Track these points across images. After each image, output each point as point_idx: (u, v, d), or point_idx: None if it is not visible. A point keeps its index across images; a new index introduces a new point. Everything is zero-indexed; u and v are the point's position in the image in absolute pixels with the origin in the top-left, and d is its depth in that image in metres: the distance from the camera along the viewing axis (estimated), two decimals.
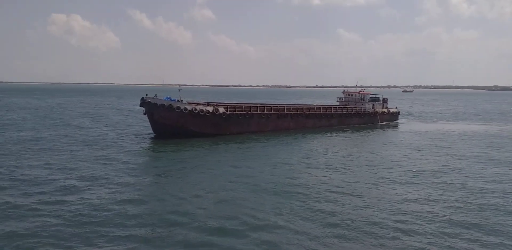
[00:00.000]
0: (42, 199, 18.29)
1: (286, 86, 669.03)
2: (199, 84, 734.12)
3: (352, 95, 61.14)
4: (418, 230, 15.10)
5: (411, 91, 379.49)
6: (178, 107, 38.89)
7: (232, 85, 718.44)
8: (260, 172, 24.64)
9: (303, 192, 19.99)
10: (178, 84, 47.48)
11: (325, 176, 23.77)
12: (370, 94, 62.88)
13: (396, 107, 65.44)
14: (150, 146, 35.19)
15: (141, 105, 40.10)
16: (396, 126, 57.24)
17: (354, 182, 22.30)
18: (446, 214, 16.95)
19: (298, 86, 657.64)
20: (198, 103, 42.54)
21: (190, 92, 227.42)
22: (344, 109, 55.51)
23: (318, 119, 51.34)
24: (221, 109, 41.54)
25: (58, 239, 14.00)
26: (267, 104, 49.65)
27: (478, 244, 14.03)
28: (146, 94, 39.92)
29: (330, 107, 54.71)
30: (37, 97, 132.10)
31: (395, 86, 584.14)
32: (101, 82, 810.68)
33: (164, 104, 38.73)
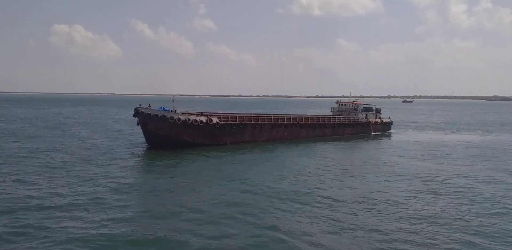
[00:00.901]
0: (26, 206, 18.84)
1: (287, 97, 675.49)
2: (200, 94, 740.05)
3: (345, 105, 62.56)
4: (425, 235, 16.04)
5: (411, 101, 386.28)
6: (172, 118, 39.65)
7: (233, 95, 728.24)
8: (256, 182, 25.31)
9: (302, 201, 20.90)
10: (173, 95, 48.14)
11: (319, 185, 24.71)
12: (364, 104, 64.39)
13: (389, 118, 67.02)
14: (142, 156, 35.76)
15: (134, 116, 40.85)
16: (389, 136, 58.64)
17: (347, 189, 23.33)
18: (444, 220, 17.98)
19: (299, 96, 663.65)
20: (191, 114, 43.39)
21: (190, 102, 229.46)
22: (337, 119, 56.84)
23: (311, 129, 52.51)
24: (214, 120, 42.42)
25: None
26: (260, 114, 50.68)
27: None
28: (140, 105, 40.69)
29: (323, 117, 56.02)
30: (37, 107, 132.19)
31: (395, 97, 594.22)
32: (103, 92, 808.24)
33: (157, 114, 39.47)
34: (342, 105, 62.96)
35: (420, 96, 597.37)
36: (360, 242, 15.40)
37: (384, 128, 63.97)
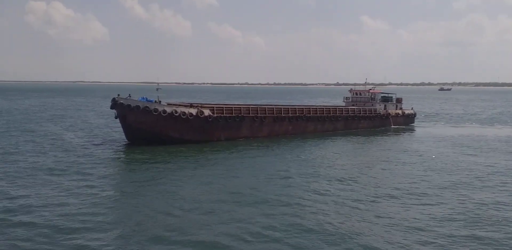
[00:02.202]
0: None
1: (302, 84, 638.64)
2: (200, 82, 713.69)
3: (360, 94, 57.37)
4: None
5: (449, 89, 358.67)
6: (156, 110, 35.65)
7: (238, 83, 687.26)
8: (251, 188, 21.78)
9: (298, 206, 18.45)
10: (157, 83, 43.55)
11: (325, 192, 20.66)
12: (382, 93, 59.04)
13: (412, 108, 61.50)
14: (120, 155, 31.93)
15: (112, 107, 36.72)
16: (412, 130, 53.37)
17: (357, 196, 18.91)
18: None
19: (316, 84, 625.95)
20: (179, 105, 39.19)
21: (188, 91, 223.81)
22: (351, 110, 51.74)
23: (320, 122, 47.65)
24: (206, 112, 38.05)
25: None
26: (261, 105, 46.11)
27: None
28: (118, 95, 36.51)
29: (335, 108, 51.06)
30: (9, 98, 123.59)
31: (430, 84, 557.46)
32: (86, 80, 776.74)
33: (139, 106, 35.53)
34: (356, 94, 57.76)
35: (459, 84, 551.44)
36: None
37: (406, 121, 58.61)
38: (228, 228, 15.79)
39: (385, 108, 56.20)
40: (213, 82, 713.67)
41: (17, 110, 74.97)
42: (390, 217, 17.18)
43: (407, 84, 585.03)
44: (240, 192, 20.86)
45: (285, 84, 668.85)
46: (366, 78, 59.75)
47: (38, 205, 18.29)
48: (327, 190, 21.47)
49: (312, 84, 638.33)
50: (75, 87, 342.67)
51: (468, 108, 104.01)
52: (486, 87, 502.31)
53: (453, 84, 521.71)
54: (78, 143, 36.69)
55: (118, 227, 16.01)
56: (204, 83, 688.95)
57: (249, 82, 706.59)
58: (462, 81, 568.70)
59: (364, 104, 55.64)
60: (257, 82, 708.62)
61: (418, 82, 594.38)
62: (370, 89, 57.92)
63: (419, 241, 14.77)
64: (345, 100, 58.79)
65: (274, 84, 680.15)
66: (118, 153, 32.74)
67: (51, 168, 25.87)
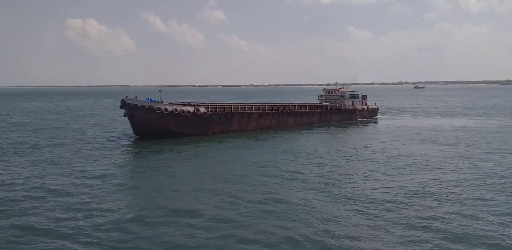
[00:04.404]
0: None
1: (298, 85, 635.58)
2: (212, 84, 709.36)
3: (332, 92, 59.06)
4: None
5: (423, 87, 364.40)
6: (159, 108, 36.38)
7: (244, 85, 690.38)
8: (240, 171, 22.91)
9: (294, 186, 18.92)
10: (160, 86, 44.64)
11: (299, 172, 21.63)
12: (350, 91, 60.82)
13: (375, 104, 63.59)
14: (129, 148, 32.59)
15: (121, 107, 37.50)
16: (375, 122, 55.31)
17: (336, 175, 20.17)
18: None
19: (310, 85, 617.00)
20: (179, 104, 40.06)
21: (202, 93, 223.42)
22: (324, 106, 53.36)
23: (299, 117, 49.12)
24: (202, 110, 39.13)
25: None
26: (248, 103, 47.42)
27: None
28: (126, 96, 37.37)
29: (310, 105, 52.54)
30: (51, 100, 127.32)
31: (406, 83, 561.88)
32: (118, 84, 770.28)
33: (144, 105, 36.24)
34: (328, 92, 59.42)
35: (431, 82, 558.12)
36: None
37: (371, 114, 60.62)
38: (222, 200, 16.95)
39: (352, 104, 57.96)
40: (223, 84, 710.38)
41: (55, 110, 78.41)
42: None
43: (387, 83, 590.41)
44: (232, 174, 21.98)
45: (284, 85, 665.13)
46: (337, 79, 61.80)
47: (66, 183, 19.21)
48: (301, 171, 22.54)
49: (307, 84, 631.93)
50: (108, 91, 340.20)
51: (434, 103, 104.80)
52: (454, 85, 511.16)
53: (426, 83, 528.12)
54: (98, 136, 37.98)
55: (133, 201, 17.05)
56: (216, 86, 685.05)
57: (254, 84, 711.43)
58: (434, 80, 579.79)
59: (335, 101, 57.25)
60: (261, 83, 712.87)
61: (397, 81, 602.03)
62: (340, 88, 59.86)
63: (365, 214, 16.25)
64: (319, 98, 60.38)
65: (275, 85, 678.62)
66: (125, 145, 33.33)
67: (74, 155, 27.41)
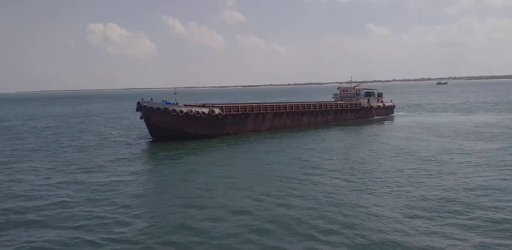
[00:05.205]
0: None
1: (318, 83, 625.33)
2: (232, 85, 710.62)
3: (347, 91, 57.87)
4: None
5: (446, 83, 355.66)
6: (174, 110, 36.24)
7: (264, 85, 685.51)
8: (257, 169, 23.05)
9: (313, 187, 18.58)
10: (174, 88, 44.59)
11: (322, 169, 20.99)
12: (365, 89, 59.51)
13: (391, 101, 62.00)
14: (145, 150, 32.51)
15: (137, 110, 37.55)
16: (391, 119, 53.86)
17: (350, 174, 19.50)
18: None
19: (329, 83, 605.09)
20: (193, 105, 39.91)
21: (221, 94, 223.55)
22: (339, 105, 52.29)
23: (314, 116, 48.28)
24: (216, 111, 38.82)
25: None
26: (262, 103, 46.91)
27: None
28: (142, 99, 37.41)
29: (325, 103, 51.56)
30: (73, 104, 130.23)
31: (429, 79, 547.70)
32: (139, 87, 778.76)
33: (159, 107, 36.17)
34: (343, 91, 58.26)
35: (454, 78, 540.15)
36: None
37: (387, 112, 59.16)
38: (244, 195, 16.90)
39: (368, 102, 56.74)
40: (242, 85, 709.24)
41: (77, 114, 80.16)
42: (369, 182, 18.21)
43: (409, 80, 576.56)
44: (249, 172, 22.08)
45: (303, 84, 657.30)
46: (351, 77, 60.49)
47: (83, 178, 19.18)
48: (323, 168, 22.32)
49: (327, 83, 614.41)
50: (129, 94, 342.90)
51: (457, 99, 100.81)
52: (477, 80, 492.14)
53: (448, 78, 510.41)
54: (116, 139, 38.25)
55: (151, 199, 17.25)
56: (235, 86, 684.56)
57: (273, 84, 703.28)
58: (457, 76, 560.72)
59: (350, 99, 56.13)
60: (280, 83, 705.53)
61: (419, 78, 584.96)
62: (355, 86, 58.62)
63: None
64: (334, 97, 59.31)
65: (295, 84, 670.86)
66: (141, 148, 33.20)
67: (93, 157, 27.84)
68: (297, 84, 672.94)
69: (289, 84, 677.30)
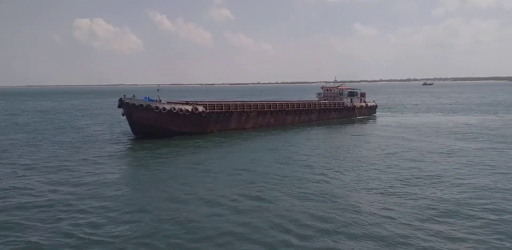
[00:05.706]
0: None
1: (305, 83, 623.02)
2: (219, 83, 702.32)
3: (330, 90, 58.20)
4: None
5: (431, 84, 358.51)
6: (157, 107, 35.78)
7: (252, 83, 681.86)
8: (240, 166, 22.96)
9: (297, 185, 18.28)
10: (158, 84, 43.96)
11: (306, 169, 21.05)
12: (348, 89, 59.92)
13: (374, 101, 62.57)
14: (127, 147, 31.92)
15: (119, 107, 36.97)
16: (374, 119, 54.40)
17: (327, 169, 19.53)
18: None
19: (317, 82, 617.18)
20: (177, 103, 39.49)
21: (209, 91, 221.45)
22: (322, 104, 52.56)
23: (297, 115, 48.40)
24: (200, 108, 38.52)
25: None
26: (246, 101, 46.73)
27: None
28: (124, 95, 36.82)
29: (309, 103, 51.75)
30: (57, 100, 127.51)
31: (415, 79, 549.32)
32: (126, 83, 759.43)
33: (142, 104, 35.61)
34: (327, 90, 58.57)
35: (440, 79, 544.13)
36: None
37: (369, 112, 59.69)
38: (227, 190, 16.55)
39: (351, 101, 57.12)
40: (230, 82, 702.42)
41: (62, 109, 78.79)
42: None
43: (395, 80, 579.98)
44: (232, 169, 21.95)
45: (291, 83, 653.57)
46: (335, 77, 60.92)
47: (63, 177, 18.78)
48: (307, 165, 22.25)
49: (314, 82, 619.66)
50: (115, 90, 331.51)
51: (441, 99, 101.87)
52: (462, 81, 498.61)
53: (434, 79, 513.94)
54: (98, 135, 37.59)
55: (133, 193, 16.80)
56: (223, 84, 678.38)
57: (261, 82, 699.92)
58: (442, 77, 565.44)
59: (333, 99, 56.41)
60: (268, 81, 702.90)
61: (405, 78, 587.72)
62: (339, 86, 58.97)
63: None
64: (317, 96, 59.48)
65: (282, 83, 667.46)
66: (123, 145, 32.64)
67: (74, 153, 27.42)
68: (285, 83, 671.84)
69: (276, 83, 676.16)
